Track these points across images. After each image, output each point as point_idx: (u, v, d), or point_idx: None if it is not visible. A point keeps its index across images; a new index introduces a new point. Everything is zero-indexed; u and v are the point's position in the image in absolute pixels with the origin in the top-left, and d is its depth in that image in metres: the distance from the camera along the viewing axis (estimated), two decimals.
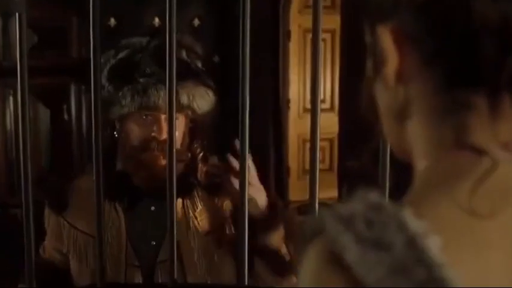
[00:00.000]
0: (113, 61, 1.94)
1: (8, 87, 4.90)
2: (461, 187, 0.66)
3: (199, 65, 1.97)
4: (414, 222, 0.61)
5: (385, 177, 1.59)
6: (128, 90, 1.89)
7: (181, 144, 1.95)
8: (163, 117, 1.88)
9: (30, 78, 1.60)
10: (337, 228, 0.63)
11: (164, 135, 1.87)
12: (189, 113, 1.95)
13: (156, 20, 4.94)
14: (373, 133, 1.56)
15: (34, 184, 1.69)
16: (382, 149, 1.57)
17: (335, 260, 0.62)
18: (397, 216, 0.62)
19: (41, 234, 2.00)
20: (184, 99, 1.89)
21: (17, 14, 1.56)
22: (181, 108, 1.88)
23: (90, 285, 1.86)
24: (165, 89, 1.83)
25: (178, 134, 1.91)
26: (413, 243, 0.60)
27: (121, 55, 1.94)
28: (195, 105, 1.92)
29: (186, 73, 1.90)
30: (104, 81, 1.92)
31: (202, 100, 1.95)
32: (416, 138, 0.74)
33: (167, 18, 1.57)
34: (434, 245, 0.60)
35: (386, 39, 0.71)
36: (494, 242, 0.65)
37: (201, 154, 1.98)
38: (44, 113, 5.01)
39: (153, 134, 1.88)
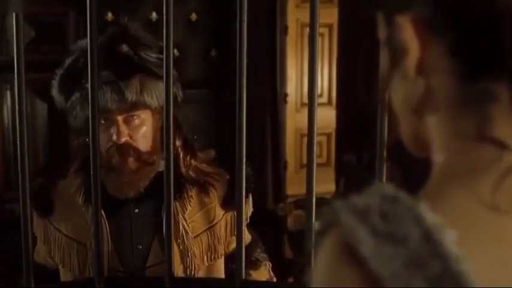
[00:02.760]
0: (60, 71, 1.88)
1: (5, 82, 4.89)
2: (482, 181, 0.65)
3: (150, 54, 1.84)
4: (430, 216, 0.60)
5: (381, 173, 1.59)
6: (76, 99, 1.82)
7: (153, 145, 1.88)
8: (120, 118, 1.81)
9: (27, 72, 1.60)
10: (352, 221, 0.62)
11: (123, 138, 1.80)
12: (157, 109, 1.85)
13: (154, 14, 4.93)
14: (370, 128, 1.56)
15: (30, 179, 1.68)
16: (379, 145, 1.57)
17: (350, 253, 0.61)
18: (413, 210, 0.61)
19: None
20: (131, 97, 1.79)
21: (13, 14, 1.55)
22: (131, 106, 1.80)
23: (86, 279, 1.85)
24: (110, 89, 1.77)
25: (143, 135, 1.84)
26: (429, 237, 0.59)
27: (67, 62, 1.87)
28: (147, 100, 1.81)
29: (129, 68, 1.81)
30: (55, 93, 1.88)
31: (153, 93, 1.82)
32: (436, 131, 0.73)
33: (164, 13, 1.57)
34: (450, 239, 0.59)
35: (406, 29, 0.70)
36: (510, 237, 0.64)
37: (180, 148, 1.91)
38: (42, 108, 5.00)
39: (112, 138, 1.82)
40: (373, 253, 0.60)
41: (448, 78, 0.69)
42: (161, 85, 1.72)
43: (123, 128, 1.81)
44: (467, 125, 0.69)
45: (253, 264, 2.05)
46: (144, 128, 1.84)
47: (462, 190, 0.66)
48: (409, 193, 0.65)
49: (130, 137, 1.82)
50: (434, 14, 0.68)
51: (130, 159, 1.83)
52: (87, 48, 1.72)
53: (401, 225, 0.60)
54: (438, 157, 0.73)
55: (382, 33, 0.76)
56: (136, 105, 1.81)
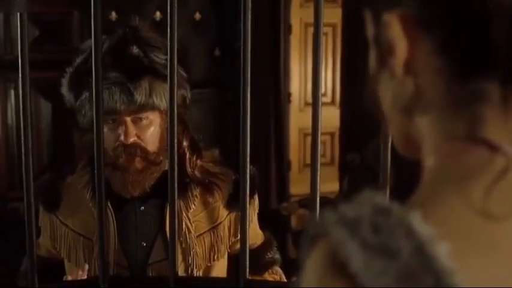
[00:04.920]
0: (70, 70, 1.89)
1: (10, 81, 4.90)
2: (474, 186, 0.63)
3: (159, 56, 1.84)
4: (423, 228, 0.58)
5: (385, 175, 1.59)
6: (85, 99, 1.83)
7: (160, 146, 1.88)
8: (128, 119, 1.81)
9: (31, 71, 1.60)
10: (342, 234, 0.59)
11: (131, 138, 1.81)
12: (165, 110, 1.83)
13: (158, 13, 4.93)
14: (374, 127, 1.56)
15: (34, 178, 1.68)
16: (383, 147, 1.57)
17: (339, 267, 0.59)
18: (405, 221, 0.59)
19: (39, 229, 1.99)
20: (140, 98, 1.80)
21: (18, 14, 1.55)
22: (139, 107, 1.81)
23: (90, 278, 1.86)
24: (119, 90, 1.78)
25: (151, 135, 1.85)
26: (421, 250, 0.57)
27: (77, 61, 1.87)
28: (156, 102, 1.81)
29: (139, 70, 1.82)
30: (65, 91, 1.89)
31: (162, 95, 1.82)
32: (425, 133, 0.70)
33: (168, 12, 1.57)
34: (443, 252, 0.57)
35: (394, 27, 0.67)
36: (505, 246, 0.62)
37: (186, 146, 1.91)
38: (45, 107, 5.01)
39: (120, 138, 1.82)
40: (363, 267, 0.58)
41: (438, 78, 0.67)
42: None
43: (131, 129, 1.82)
44: (457, 126, 0.67)
45: (268, 265, 2.05)
46: (151, 129, 1.85)
47: (454, 196, 0.63)
48: (399, 196, 0.63)
49: (138, 137, 1.83)
50: (423, 11, 0.66)
51: (137, 159, 1.84)
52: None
53: (392, 237, 0.58)
54: (429, 159, 0.70)
55: (369, 31, 0.74)
56: (145, 107, 1.82)
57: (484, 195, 0.62)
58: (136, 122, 1.83)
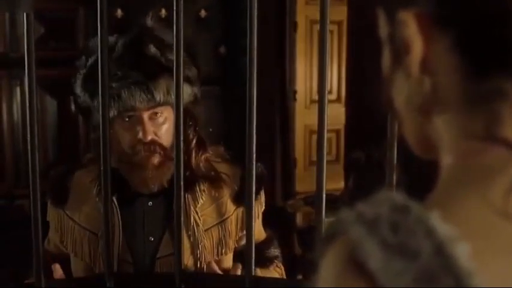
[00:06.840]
0: (83, 70, 1.90)
1: (15, 79, 4.90)
2: (493, 186, 0.62)
3: (171, 55, 1.80)
4: (442, 227, 0.57)
5: (391, 174, 1.59)
6: None
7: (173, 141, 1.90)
8: (145, 116, 1.83)
9: (37, 69, 1.60)
10: (360, 233, 0.59)
11: (149, 136, 1.83)
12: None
13: (163, 11, 4.93)
14: (379, 125, 1.56)
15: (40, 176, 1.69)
16: (389, 146, 1.56)
17: (357, 266, 0.58)
18: (425, 221, 0.58)
19: (46, 226, 1.99)
20: (159, 97, 1.82)
21: (24, 14, 1.56)
22: (158, 105, 1.84)
23: (95, 276, 1.86)
24: (139, 89, 1.80)
25: (166, 131, 1.87)
26: (441, 250, 0.56)
27: (90, 61, 1.88)
28: (172, 100, 1.80)
29: (158, 69, 1.84)
30: (79, 91, 1.90)
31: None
32: (442, 132, 0.69)
33: (174, 9, 1.57)
34: (463, 252, 0.56)
35: (410, 25, 0.66)
36: None
37: (195, 141, 1.94)
38: (51, 104, 5.02)
39: (138, 136, 1.84)
40: (381, 267, 0.57)
41: (454, 76, 0.66)
42: (185, 85, 1.78)
43: (149, 126, 1.84)
44: (475, 125, 0.66)
45: (271, 259, 2.07)
46: (166, 125, 1.87)
47: (472, 196, 0.62)
48: (415, 197, 0.61)
49: (155, 134, 1.85)
50: (439, 9, 0.65)
51: (155, 155, 1.86)
52: (112, 46, 1.79)
53: (412, 237, 0.57)
54: (446, 159, 0.69)
55: (383, 30, 0.73)
56: (161, 104, 1.84)
57: (504, 196, 0.61)
58: (152, 119, 1.85)
